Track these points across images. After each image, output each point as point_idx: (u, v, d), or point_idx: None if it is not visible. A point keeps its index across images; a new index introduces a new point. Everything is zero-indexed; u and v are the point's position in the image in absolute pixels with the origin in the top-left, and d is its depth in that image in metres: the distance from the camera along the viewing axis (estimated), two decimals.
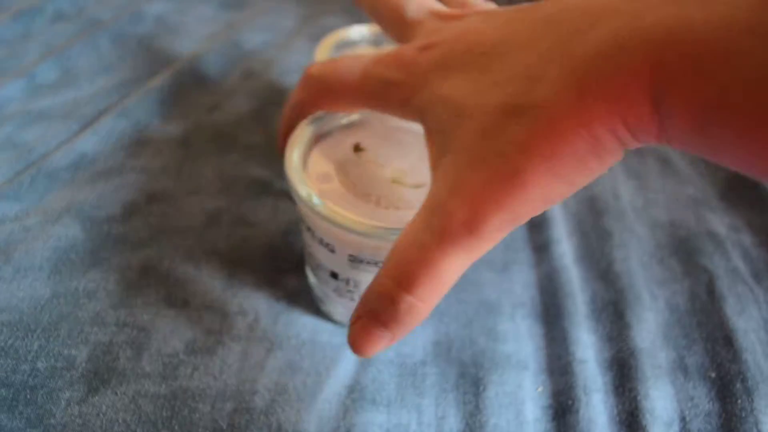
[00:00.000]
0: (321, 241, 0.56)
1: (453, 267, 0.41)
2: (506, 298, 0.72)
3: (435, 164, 0.44)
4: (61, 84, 0.97)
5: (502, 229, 0.40)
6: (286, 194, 0.82)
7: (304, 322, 0.67)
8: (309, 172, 0.58)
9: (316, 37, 1.18)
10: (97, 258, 0.70)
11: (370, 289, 0.45)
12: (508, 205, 0.37)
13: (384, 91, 0.51)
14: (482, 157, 0.39)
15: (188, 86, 1.00)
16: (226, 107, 0.96)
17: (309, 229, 0.57)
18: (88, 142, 0.84)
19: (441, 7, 0.55)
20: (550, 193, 0.38)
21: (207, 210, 0.78)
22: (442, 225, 0.40)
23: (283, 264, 0.73)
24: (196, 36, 1.14)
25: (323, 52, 0.81)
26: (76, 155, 0.82)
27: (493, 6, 0.56)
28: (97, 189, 0.78)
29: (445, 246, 0.40)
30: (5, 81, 0.94)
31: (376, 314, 0.44)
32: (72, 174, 0.80)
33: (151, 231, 0.74)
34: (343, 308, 0.65)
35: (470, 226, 0.39)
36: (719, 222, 0.85)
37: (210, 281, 0.70)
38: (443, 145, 0.43)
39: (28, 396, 0.56)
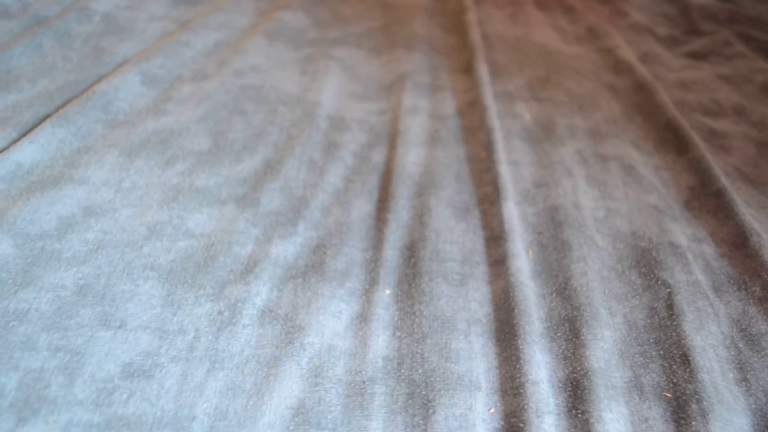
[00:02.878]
0: None
1: None
2: (462, 315, 0.69)
3: None
4: (1, 86, 0.93)
5: None
6: (235, 202, 0.79)
7: (247, 336, 0.64)
8: None
9: (272, 34, 1.15)
10: (30, 276, 0.66)
11: None
12: None
13: None
14: None
15: (135, 91, 0.95)
16: (174, 112, 0.92)
17: None
18: (26, 151, 0.80)
19: None
20: None
21: (148, 223, 0.74)
22: None
23: (227, 274, 0.70)
24: (145, 35, 1.10)
25: None
26: (12, 165, 0.78)
27: None
28: (32, 202, 0.74)
29: None
30: None
31: None
32: (7, 185, 0.76)
33: (88, 247, 0.70)
34: None
35: None
36: (681, 232, 0.84)
37: (148, 299, 0.66)
38: None
39: None
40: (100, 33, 1.08)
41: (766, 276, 0.76)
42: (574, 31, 1.46)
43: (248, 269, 0.71)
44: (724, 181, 0.92)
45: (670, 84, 1.24)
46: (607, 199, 0.89)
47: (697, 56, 1.41)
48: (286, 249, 0.74)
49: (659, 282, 0.76)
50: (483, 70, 1.14)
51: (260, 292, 0.68)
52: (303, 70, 1.08)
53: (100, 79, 0.97)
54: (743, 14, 1.62)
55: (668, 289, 0.75)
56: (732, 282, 0.78)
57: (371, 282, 0.72)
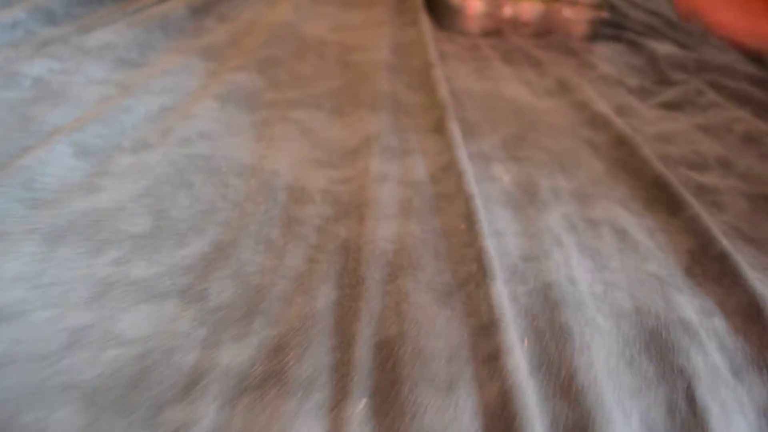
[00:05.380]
0: None
1: None
2: (452, 429, 0.58)
3: None
4: None
5: None
6: (178, 296, 0.67)
7: None
8: None
9: (224, 98, 1.04)
10: None
11: None
12: None
13: None
14: None
15: (65, 164, 0.84)
16: (109, 189, 0.81)
17: None
18: None
19: None
20: None
21: (70, 328, 0.62)
22: None
23: (166, 391, 0.58)
24: (81, 101, 0.99)
25: None
26: None
27: None
28: None
29: None
30: None
31: None
32: None
33: None
34: None
35: None
36: (689, 305, 0.74)
37: (66, 429, 0.53)
38: None
39: None
40: (30, 100, 0.97)
41: None
42: (544, 85, 1.39)
43: (193, 383, 0.58)
44: (725, 242, 0.84)
45: (649, 137, 1.17)
46: (604, 270, 0.79)
47: (672, 107, 1.36)
48: (240, 353, 0.62)
49: (675, 369, 0.66)
50: (455, 130, 1.06)
51: (207, 413, 0.56)
52: (258, 136, 0.98)
53: (25, 151, 0.85)
54: (711, 63, 1.59)
55: (686, 378, 0.65)
56: (751, 362, 0.69)
57: (343, 392, 0.60)
